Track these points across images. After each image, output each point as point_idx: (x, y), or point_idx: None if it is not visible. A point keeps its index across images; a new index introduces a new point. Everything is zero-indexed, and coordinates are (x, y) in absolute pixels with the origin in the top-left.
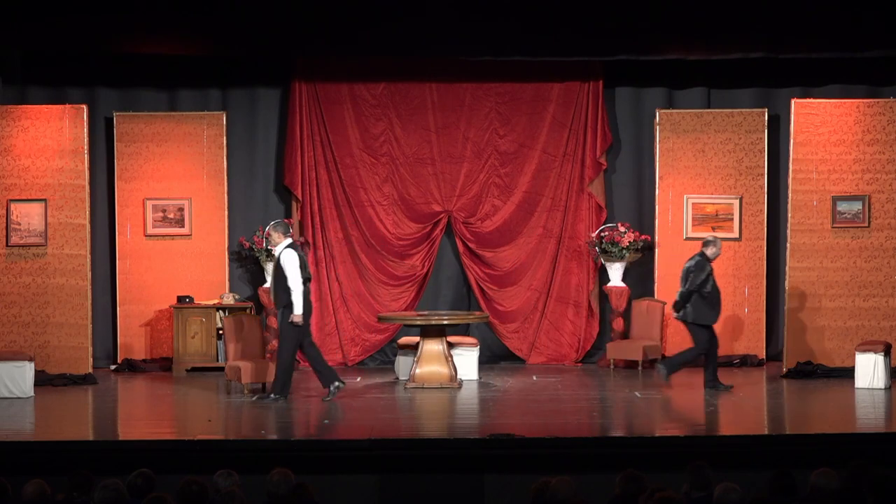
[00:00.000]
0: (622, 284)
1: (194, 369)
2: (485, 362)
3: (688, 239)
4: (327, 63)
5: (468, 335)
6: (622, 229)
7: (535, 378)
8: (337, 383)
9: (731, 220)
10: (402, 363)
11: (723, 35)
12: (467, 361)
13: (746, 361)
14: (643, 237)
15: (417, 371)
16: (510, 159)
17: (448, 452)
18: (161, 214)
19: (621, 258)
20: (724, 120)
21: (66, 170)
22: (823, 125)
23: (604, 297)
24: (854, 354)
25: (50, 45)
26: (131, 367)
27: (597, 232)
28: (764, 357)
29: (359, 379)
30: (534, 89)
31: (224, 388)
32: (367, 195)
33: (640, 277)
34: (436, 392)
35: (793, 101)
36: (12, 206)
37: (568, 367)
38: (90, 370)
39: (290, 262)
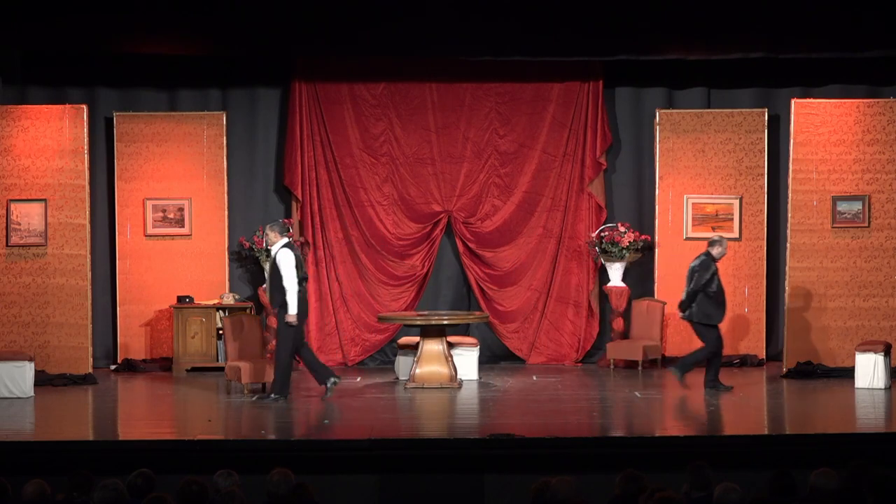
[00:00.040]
0: (622, 284)
1: (194, 369)
2: (485, 362)
3: (688, 239)
4: (327, 63)
5: (468, 335)
6: (622, 229)
7: (535, 378)
8: (333, 379)
9: (731, 220)
10: (402, 363)
11: (723, 35)
12: (467, 361)
13: (746, 361)
14: (643, 237)
15: (417, 371)
16: (510, 159)
17: (448, 452)
18: (161, 214)
19: (621, 258)
20: (724, 120)
21: (66, 170)
22: (823, 125)
23: (604, 297)
24: (854, 354)
25: (50, 45)
26: (131, 367)
27: (597, 232)
28: (764, 357)
29: (359, 379)
30: (534, 89)
31: (224, 388)
32: (367, 195)
33: (640, 277)
34: (436, 392)
35: (793, 101)
36: (12, 206)
37: (568, 367)
38: (90, 370)
39: (287, 261)
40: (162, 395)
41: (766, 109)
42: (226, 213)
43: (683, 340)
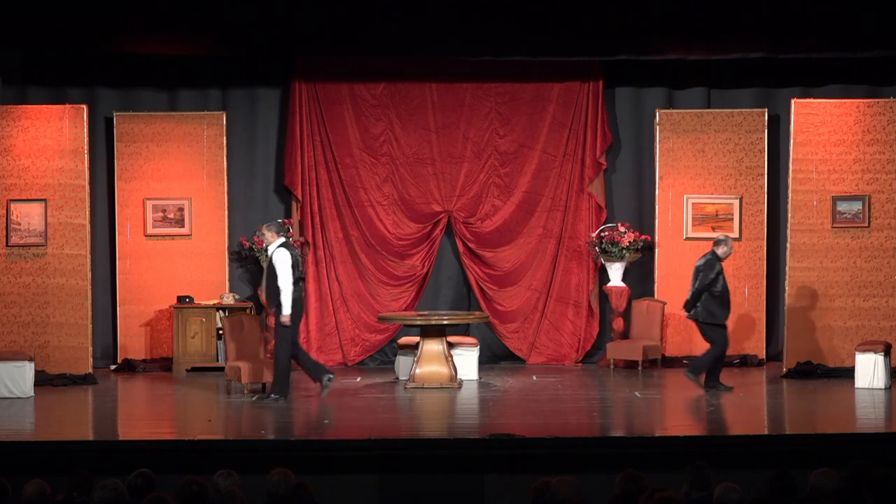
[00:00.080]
0: (622, 284)
1: (194, 369)
2: (485, 362)
3: (688, 239)
4: (327, 63)
5: (468, 335)
6: (622, 229)
7: (535, 378)
8: (328, 375)
9: (731, 220)
10: (402, 363)
11: (723, 35)
12: (467, 361)
13: (746, 361)
14: (643, 237)
15: (417, 371)
16: (510, 159)
17: (448, 452)
18: (161, 214)
19: (621, 258)
20: (724, 120)
21: (66, 170)
22: (823, 125)
23: (604, 297)
24: (854, 354)
25: (50, 45)
26: (131, 367)
27: (597, 232)
28: (764, 357)
29: (359, 379)
30: (534, 89)
31: (224, 388)
32: (367, 195)
33: (640, 277)
34: (436, 392)
35: (793, 101)
36: (12, 206)
37: (568, 367)
38: (90, 370)
39: (283, 261)
40: (162, 395)
41: (766, 109)
42: (226, 213)
43: (683, 340)
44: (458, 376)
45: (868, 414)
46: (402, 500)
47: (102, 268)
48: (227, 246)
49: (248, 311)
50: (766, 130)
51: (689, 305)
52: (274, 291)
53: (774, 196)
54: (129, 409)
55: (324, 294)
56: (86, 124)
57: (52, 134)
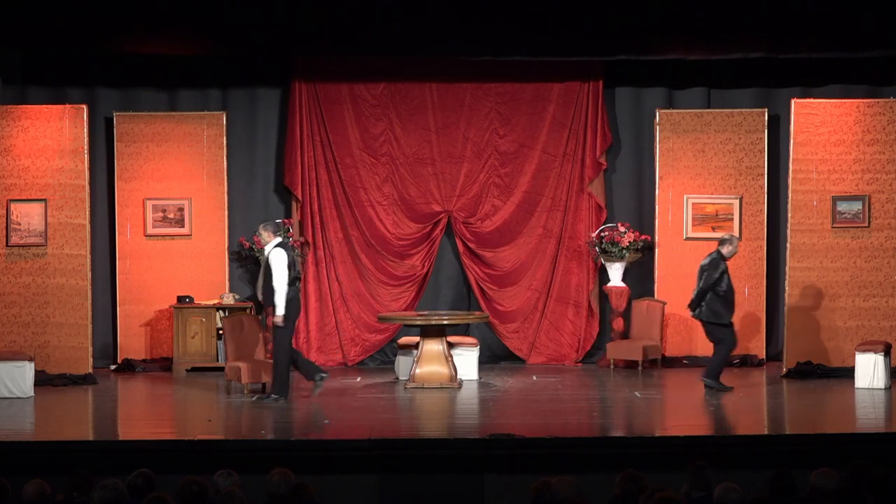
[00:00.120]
0: (622, 284)
1: (194, 369)
2: (485, 362)
3: (688, 239)
4: (327, 63)
5: (468, 335)
6: (622, 229)
7: (535, 378)
8: (321, 374)
9: (731, 220)
10: (402, 363)
11: (723, 35)
12: (467, 361)
13: (746, 361)
14: (643, 237)
15: (417, 371)
16: (510, 159)
17: (448, 452)
18: (161, 214)
19: (621, 258)
20: (724, 120)
21: (66, 170)
22: (823, 125)
23: (604, 297)
24: (854, 354)
25: (50, 45)
26: (131, 368)
27: (597, 232)
28: (764, 357)
29: (359, 379)
30: (534, 89)
31: (224, 388)
32: (367, 195)
33: (640, 277)
34: (436, 392)
35: (793, 101)
36: (12, 206)
37: (568, 367)
38: (90, 370)
39: (278, 261)
40: (162, 395)
41: (766, 109)
42: (226, 213)
43: (683, 340)
44: (458, 376)
45: (868, 414)
46: (402, 500)
47: (102, 268)
48: (227, 246)
49: (248, 311)
50: (766, 130)
51: (693, 305)
52: (269, 291)
53: (774, 196)
54: (129, 409)
55: (324, 294)
56: (86, 124)
57: (52, 134)
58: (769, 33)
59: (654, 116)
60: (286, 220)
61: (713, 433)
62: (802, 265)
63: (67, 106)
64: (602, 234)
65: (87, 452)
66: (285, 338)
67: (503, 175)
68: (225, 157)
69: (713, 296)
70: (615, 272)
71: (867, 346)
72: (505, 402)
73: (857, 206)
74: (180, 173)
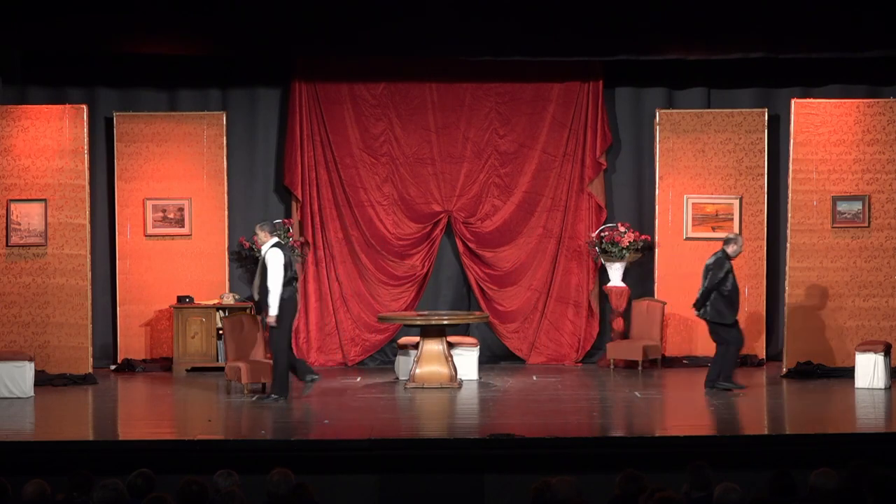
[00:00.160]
0: (622, 284)
1: (194, 369)
2: (485, 362)
3: (688, 239)
4: (327, 63)
5: (468, 335)
6: (622, 229)
7: (535, 378)
8: (311, 376)
9: (731, 220)
10: (402, 363)
11: (723, 35)
12: (467, 361)
13: (746, 361)
14: (643, 237)
15: (417, 371)
16: (510, 159)
17: (448, 452)
18: (161, 214)
19: (621, 258)
20: (724, 120)
21: (66, 170)
22: (823, 125)
23: (604, 297)
24: (854, 354)
25: (50, 45)
26: (131, 368)
27: (597, 232)
28: (764, 357)
29: (359, 379)
30: (534, 89)
31: (224, 388)
32: (367, 195)
33: (640, 277)
34: (436, 392)
35: (793, 101)
36: (12, 206)
37: (568, 367)
38: (90, 370)
39: (274, 261)
40: (162, 395)
41: (766, 109)
42: (226, 213)
43: (683, 340)
44: (458, 376)
45: (868, 414)
46: (402, 500)
47: (102, 268)
48: (226, 246)
49: (247, 311)
50: (766, 130)
51: (698, 304)
52: (264, 291)
53: (774, 196)
54: (129, 409)
55: (324, 294)
56: (86, 124)
57: (52, 134)
58: (769, 33)
59: (654, 116)
60: (286, 220)
61: (713, 433)
62: (802, 265)
63: (67, 106)
64: (602, 234)
65: (87, 452)
66: (282, 338)
67: (503, 175)
68: (225, 157)
69: (717, 295)
70: (615, 272)
71: (867, 346)
72: (505, 402)
73: (857, 206)
74: (180, 173)
